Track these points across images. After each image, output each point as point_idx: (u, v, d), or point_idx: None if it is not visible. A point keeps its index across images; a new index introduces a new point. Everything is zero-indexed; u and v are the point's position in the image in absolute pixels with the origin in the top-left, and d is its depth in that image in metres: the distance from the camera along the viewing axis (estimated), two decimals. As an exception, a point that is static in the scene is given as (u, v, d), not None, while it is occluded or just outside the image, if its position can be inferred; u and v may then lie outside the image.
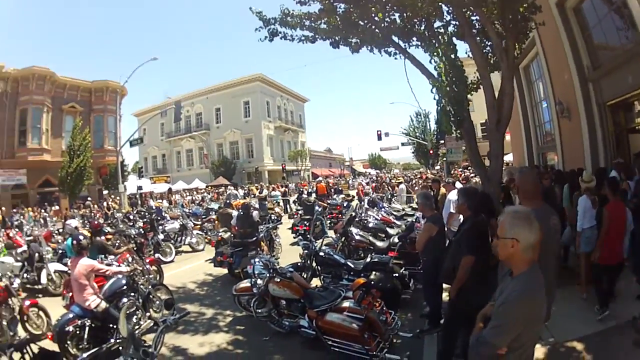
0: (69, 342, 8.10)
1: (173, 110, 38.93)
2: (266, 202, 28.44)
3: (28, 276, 14.77)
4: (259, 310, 9.47)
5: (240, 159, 76.40)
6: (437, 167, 59.79)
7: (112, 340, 8.28)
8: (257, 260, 10.00)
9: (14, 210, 34.78)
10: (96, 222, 16.37)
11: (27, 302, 10.32)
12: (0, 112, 40.20)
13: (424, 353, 7.55)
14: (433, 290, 8.46)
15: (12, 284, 10.31)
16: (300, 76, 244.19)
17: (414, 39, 11.68)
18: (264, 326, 9.39)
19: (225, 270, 14.94)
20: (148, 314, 9.97)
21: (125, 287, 9.73)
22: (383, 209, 19.49)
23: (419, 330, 8.28)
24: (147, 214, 24.87)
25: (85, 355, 7.39)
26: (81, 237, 9.09)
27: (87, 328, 8.30)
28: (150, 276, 11.53)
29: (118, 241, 15.78)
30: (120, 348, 7.80)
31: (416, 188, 27.92)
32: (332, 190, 36.51)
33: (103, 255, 11.94)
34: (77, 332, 8.23)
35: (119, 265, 10.54)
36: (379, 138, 57.85)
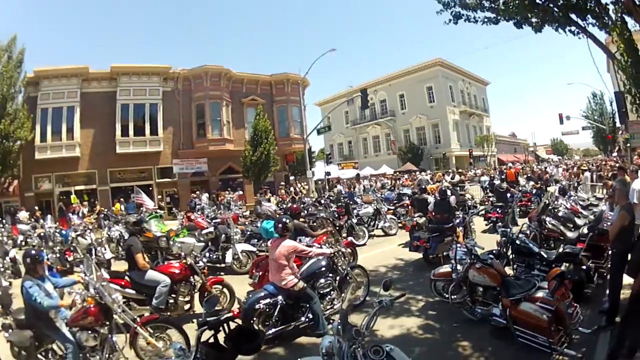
0: (255, 319, 8.41)
1: (358, 99, 40.21)
2: (458, 188, 28.22)
3: (211, 255, 15.70)
4: (454, 297, 9.42)
5: (427, 145, 75.59)
6: (614, 154, 56.63)
7: (303, 319, 8.89)
8: (459, 245, 9.93)
9: (194, 195, 36.43)
10: (295, 206, 17.03)
11: (212, 280, 10.95)
12: (174, 108, 42.95)
13: (596, 351, 7.23)
14: (616, 284, 8.05)
15: (198, 262, 10.88)
16: (477, 59, 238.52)
17: (589, 16, 11.31)
18: (455, 312, 9.34)
19: (417, 256, 14.86)
20: (343, 295, 9.82)
21: (324, 268, 9.95)
22: (571, 198, 18.62)
23: (596, 327, 7.89)
24: (342, 198, 25.27)
25: (272, 330, 8.48)
26: (286, 220, 9.35)
27: (278, 306, 8.56)
28: (347, 258, 11.69)
29: (315, 224, 16.59)
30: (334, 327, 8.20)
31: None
32: (526, 177, 35.34)
33: (302, 237, 12.51)
34: (267, 309, 8.52)
35: (320, 247, 10.82)
36: (561, 121, 55.32)
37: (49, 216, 28.98)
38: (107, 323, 7.71)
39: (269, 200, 30.55)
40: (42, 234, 21.84)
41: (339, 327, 4.87)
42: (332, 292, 9.87)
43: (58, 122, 38.53)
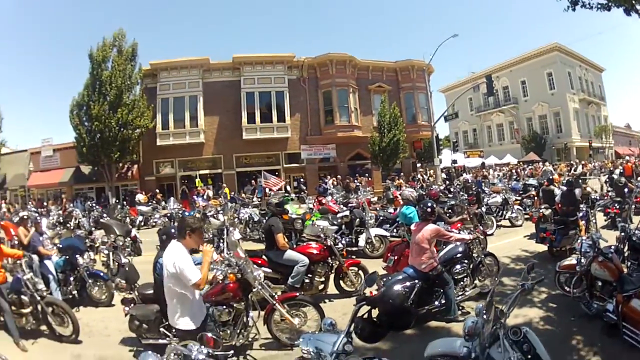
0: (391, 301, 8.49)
1: (483, 85, 39.75)
2: (580, 180, 27.65)
3: (344, 239, 15.59)
4: (575, 290, 9.48)
5: (549, 134, 72.79)
6: None
7: (436, 303, 9.15)
8: (584, 238, 9.92)
9: (325, 180, 37.33)
10: (434, 192, 17.47)
11: (348, 262, 11.39)
12: (301, 95, 44.66)
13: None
14: None
15: (337, 244, 11.23)
16: (587, 46, 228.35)
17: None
18: (573, 306, 9.39)
19: (542, 248, 14.83)
20: (475, 281, 10.38)
21: (461, 254, 10.15)
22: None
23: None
24: (473, 186, 25.23)
25: None
26: (432, 204, 9.68)
27: (415, 289, 8.67)
28: (482, 246, 11.88)
29: (451, 210, 16.96)
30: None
31: None
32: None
33: (439, 223, 12.18)
34: (404, 292, 8.59)
35: (459, 233, 10.87)
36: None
37: (171, 198, 30.92)
38: (244, 299, 8.11)
39: (398, 187, 31.16)
40: (168, 215, 24.11)
41: (484, 308, 5.23)
42: (465, 279, 10.08)
43: (180, 110, 40.95)
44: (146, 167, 41.94)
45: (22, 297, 9.42)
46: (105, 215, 26.24)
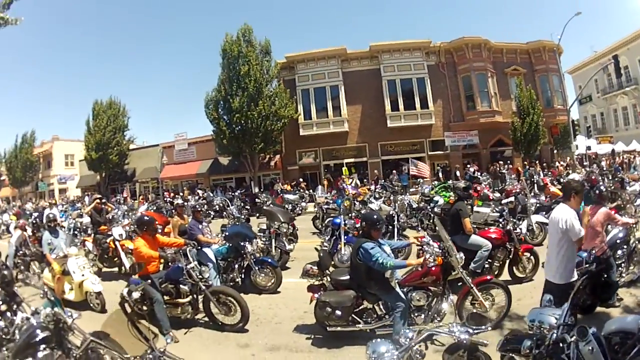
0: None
1: (611, 65, 38.52)
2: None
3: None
4: None
5: None
6: None
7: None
8: None
9: (472, 168, 37.02)
10: (594, 178, 17.55)
11: (523, 247, 11.26)
12: (441, 81, 43.69)
13: None
14: None
15: (515, 229, 11.32)
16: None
17: None
18: None
19: None
20: (631, 267, 9.92)
21: (621, 239, 9.89)
22: None
23: None
24: (617, 173, 25.74)
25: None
26: (605, 188, 9.93)
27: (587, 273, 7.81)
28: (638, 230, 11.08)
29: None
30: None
31: None
32: None
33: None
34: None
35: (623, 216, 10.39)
36: None
37: (319, 187, 31.79)
38: (442, 283, 8.13)
39: (539, 174, 31.04)
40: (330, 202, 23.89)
41: None
42: (622, 264, 9.75)
43: (322, 100, 42.14)
44: (289, 157, 44.04)
45: (181, 286, 9.57)
46: (269, 203, 26.57)
